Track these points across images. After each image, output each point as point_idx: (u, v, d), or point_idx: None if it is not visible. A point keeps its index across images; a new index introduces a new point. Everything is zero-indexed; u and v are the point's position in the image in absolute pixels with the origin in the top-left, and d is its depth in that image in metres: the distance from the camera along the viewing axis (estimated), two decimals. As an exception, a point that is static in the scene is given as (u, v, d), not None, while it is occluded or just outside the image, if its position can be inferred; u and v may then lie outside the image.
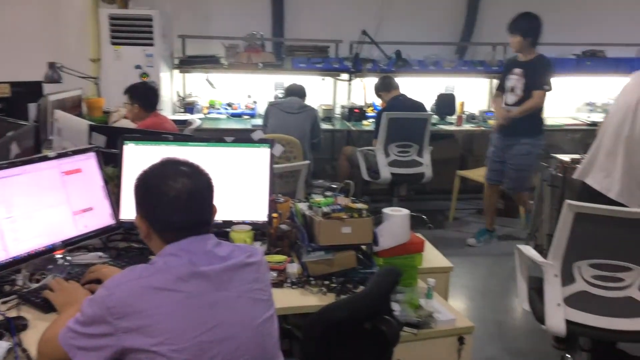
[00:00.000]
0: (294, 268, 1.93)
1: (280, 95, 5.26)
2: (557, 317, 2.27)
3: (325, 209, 1.93)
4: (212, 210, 1.41)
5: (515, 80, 4.29)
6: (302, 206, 2.10)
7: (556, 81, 5.66)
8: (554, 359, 2.85)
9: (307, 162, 3.05)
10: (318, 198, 2.06)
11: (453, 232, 4.96)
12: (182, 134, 2.97)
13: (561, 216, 2.21)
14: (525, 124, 4.29)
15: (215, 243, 1.37)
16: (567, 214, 2.18)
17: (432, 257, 2.75)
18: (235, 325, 1.30)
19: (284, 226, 2.10)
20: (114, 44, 4.92)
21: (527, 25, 4.21)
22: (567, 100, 5.91)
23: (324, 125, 5.27)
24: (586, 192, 2.82)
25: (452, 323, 2.02)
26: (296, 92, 4.81)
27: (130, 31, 4.89)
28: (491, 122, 4.56)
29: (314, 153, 4.78)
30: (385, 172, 4.61)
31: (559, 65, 5.58)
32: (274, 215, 2.09)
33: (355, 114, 5.45)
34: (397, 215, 2.10)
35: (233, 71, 5.34)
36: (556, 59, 5.61)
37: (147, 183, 1.36)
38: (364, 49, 5.40)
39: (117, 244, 2.15)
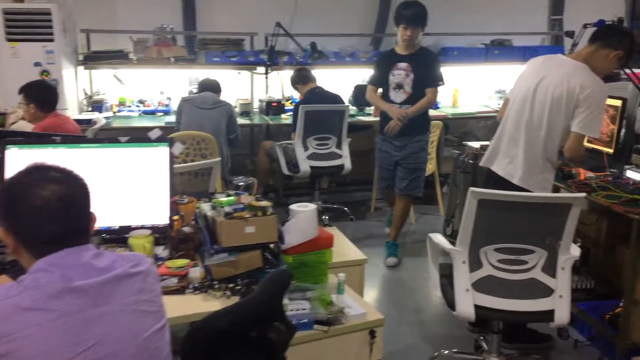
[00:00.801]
0: (196, 272, 1.84)
1: (195, 91, 5.10)
2: (466, 302, 2.31)
3: (227, 209, 1.85)
4: (89, 218, 1.30)
5: (402, 76, 3.84)
6: (206, 206, 2.01)
7: (467, 70, 5.89)
8: (471, 343, 2.93)
9: (217, 159, 2.94)
10: (221, 197, 1.98)
11: (374, 222, 5.00)
12: (71, 135, 2.78)
13: (466, 203, 2.25)
14: (419, 122, 3.94)
15: (94, 254, 1.26)
16: (471, 201, 2.22)
17: (347, 250, 2.74)
18: (118, 341, 1.20)
19: (186, 229, 2.00)
20: (9, 40, 4.57)
21: (426, 16, 3.79)
22: (479, 88, 6.11)
23: (242, 120, 5.15)
24: (492, 178, 2.89)
25: (363, 317, 2.01)
26: (210, 87, 4.67)
27: (27, 26, 4.56)
28: (395, 123, 3.85)
29: (231, 149, 4.67)
30: (305, 166, 4.58)
31: (470, 55, 5.76)
32: (175, 217, 1.99)
33: (273, 107, 5.38)
34: (303, 211, 2.05)
35: (143, 66, 5.12)
36: (466, 49, 5.80)
37: (10, 192, 1.23)
38: (280, 42, 5.33)
39: (4, 257, 1.97)
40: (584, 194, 2.16)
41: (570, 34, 5.80)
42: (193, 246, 2.00)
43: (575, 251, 2.33)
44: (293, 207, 2.08)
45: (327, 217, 4.76)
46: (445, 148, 5.61)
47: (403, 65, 3.84)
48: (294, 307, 1.92)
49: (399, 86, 3.86)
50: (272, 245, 1.99)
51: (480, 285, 2.32)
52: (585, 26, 5.44)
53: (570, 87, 2.59)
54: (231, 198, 1.94)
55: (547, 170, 2.72)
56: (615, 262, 3.04)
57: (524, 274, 2.31)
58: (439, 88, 3.93)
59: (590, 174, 3.02)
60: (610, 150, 3.23)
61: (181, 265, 1.87)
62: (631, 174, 2.85)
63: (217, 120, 4.45)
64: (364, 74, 5.75)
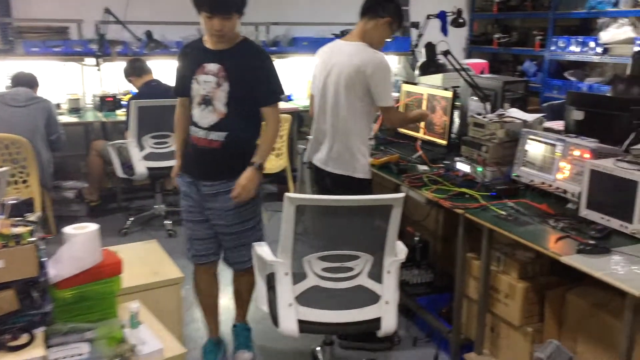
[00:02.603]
0: None
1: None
2: (289, 318, 2.10)
3: (-36, 241, 1.46)
4: None
5: (211, 85, 2.37)
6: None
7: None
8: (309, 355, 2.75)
9: (5, 169, 2.46)
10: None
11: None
12: None
13: (283, 210, 2.03)
14: (238, 154, 2.44)
15: None
16: (288, 208, 2.00)
17: (162, 267, 2.44)
18: None
19: None
20: None
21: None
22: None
23: (71, 118, 4.61)
24: (316, 171, 2.89)
25: (160, 353, 1.72)
26: (24, 81, 4.07)
27: None
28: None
29: (54, 152, 4.12)
30: (141, 167, 4.15)
31: (320, 45, 5.53)
32: None
33: (108, 103, 4.86)
34: (79, 235, 1.70)
35: (-59, 58, 4.36)
36: (317, 39, 5.65)
37: None
38: (113, 30, 4.81)
39: None
40: (403, 194, 2.03)
41: (416, 25, 5.88)
42: None
43: (402, 253, 2.22)
44: (67, 229, 1.72)
45: (170, 222, 4.39)
46: (300, 141, 5.46)
47: (213, 67, 2.37)
48: (68, 352, 1.58)
49: (207, 101, 2.39)
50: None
51: (305, 298, 2.13)
52: (428, 17, 5.53)
53: (355, 68, 2.59)
54: (-23, 225, 1.54)
55: (361, 154, 2.72)
56: (452, 254, 3.02)
57: (350, 281, 2.14)
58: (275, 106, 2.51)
59: (424, 167, 2.97)
60: (444, 142, 3.21)
61: None
62: (461, 165, 2.82)
63: (33, 119, 3.89)
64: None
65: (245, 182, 2.41)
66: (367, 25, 2.70)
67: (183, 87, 2.50)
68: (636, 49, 4.74)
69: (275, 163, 4.76)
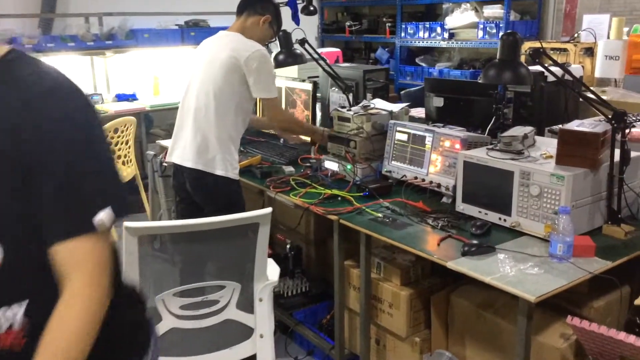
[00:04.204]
0: None
1: None
2: (143, 375, 1.71)
3: None
4: None
5: None
6: None
7: (164, 54, 5.24)
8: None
9: None
10: None
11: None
12: None
13: (124, 244, 1.63)
14: None
15: None
16: (129, 241, 1.61)
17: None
18: None
19: None
20: None
21: None
22: (181, 73, 5.52)
23: None
24: (177, 171, 2.60)
25: None
26: None
27: None
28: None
29: None
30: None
31: (163, 37, 5.14)
32: None
33: None
34: None
35: None
36: (159, 30, 5.17)
37: None
38: None
39: None
40: (269, 210, 1.73)
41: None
42: None
43: (274, 274, 1.93)
44: None
45: None
46: (150, 145, 4.92)
47: None
48: None
49: None
50: None
51: (162, 345, 1.75)
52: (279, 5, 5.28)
53: (230, 56, 2.41)
54: None
55: (225, 150, 2.45)
56: (326, 258, 2.80)
57: (216, 316, 1.82)
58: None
59: (290, 169, 2.70)
60: (307, 139, 2.97)
61: None
62: (329, 164, 2.59)
63: None
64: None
65: None
66: (247, 22, 2.56)
67: None
68: (480, 33, 4.90)
69: (122, 171, 4.22)
